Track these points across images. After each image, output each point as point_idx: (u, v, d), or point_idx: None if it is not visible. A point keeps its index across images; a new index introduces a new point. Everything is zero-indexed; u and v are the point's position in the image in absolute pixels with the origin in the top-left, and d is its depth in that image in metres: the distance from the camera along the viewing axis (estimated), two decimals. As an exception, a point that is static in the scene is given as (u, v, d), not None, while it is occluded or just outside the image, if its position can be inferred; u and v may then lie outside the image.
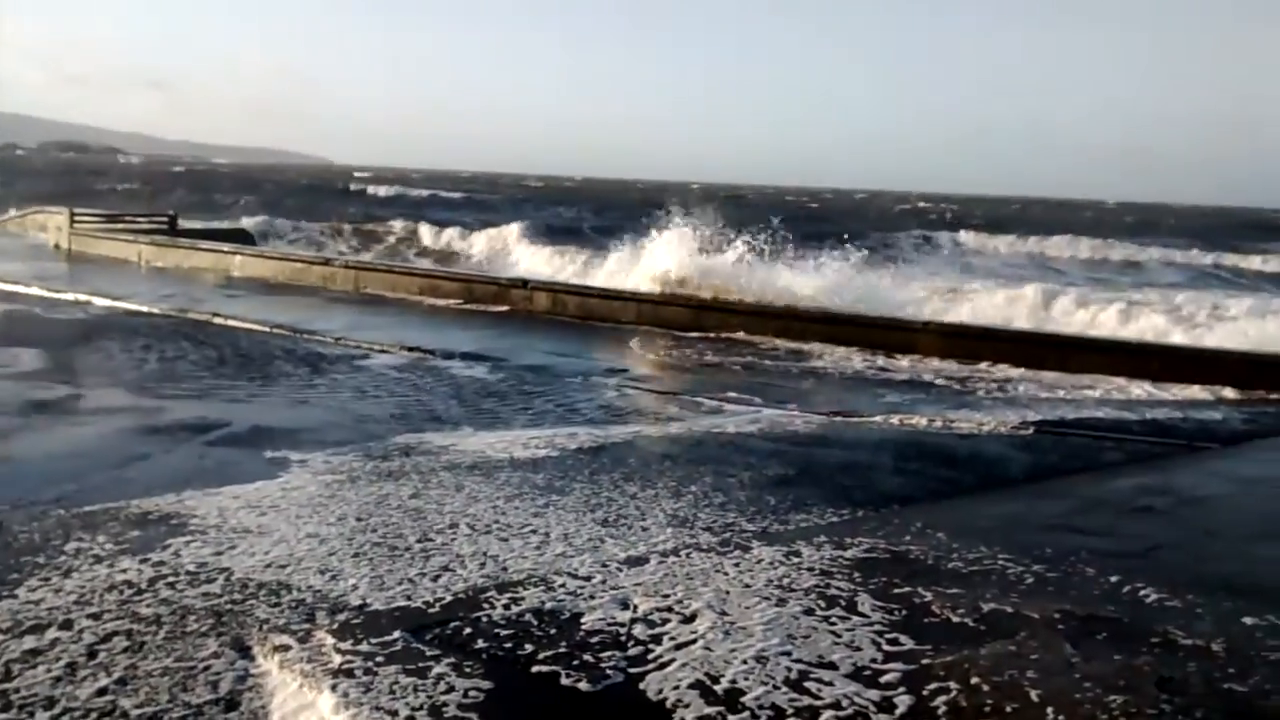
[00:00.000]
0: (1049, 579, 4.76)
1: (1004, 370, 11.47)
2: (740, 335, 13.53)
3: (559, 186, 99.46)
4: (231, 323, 12.94)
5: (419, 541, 5.31)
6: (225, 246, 20.31)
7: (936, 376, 11.18)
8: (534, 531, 5.55)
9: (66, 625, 4.14)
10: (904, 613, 4.28)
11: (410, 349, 11.42)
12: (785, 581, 4.63)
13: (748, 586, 4.57)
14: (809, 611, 4.26)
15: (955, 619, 4.23)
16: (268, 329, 12.60)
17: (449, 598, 4.49)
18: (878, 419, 9.03)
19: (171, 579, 4.67)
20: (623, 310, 14.59)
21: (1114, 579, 4.74)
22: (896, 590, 4.54)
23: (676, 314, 14.31)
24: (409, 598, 4.50)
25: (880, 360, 12.09)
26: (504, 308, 15.18)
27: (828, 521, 5.96)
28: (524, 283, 16.00)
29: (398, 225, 36.91)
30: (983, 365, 11.72)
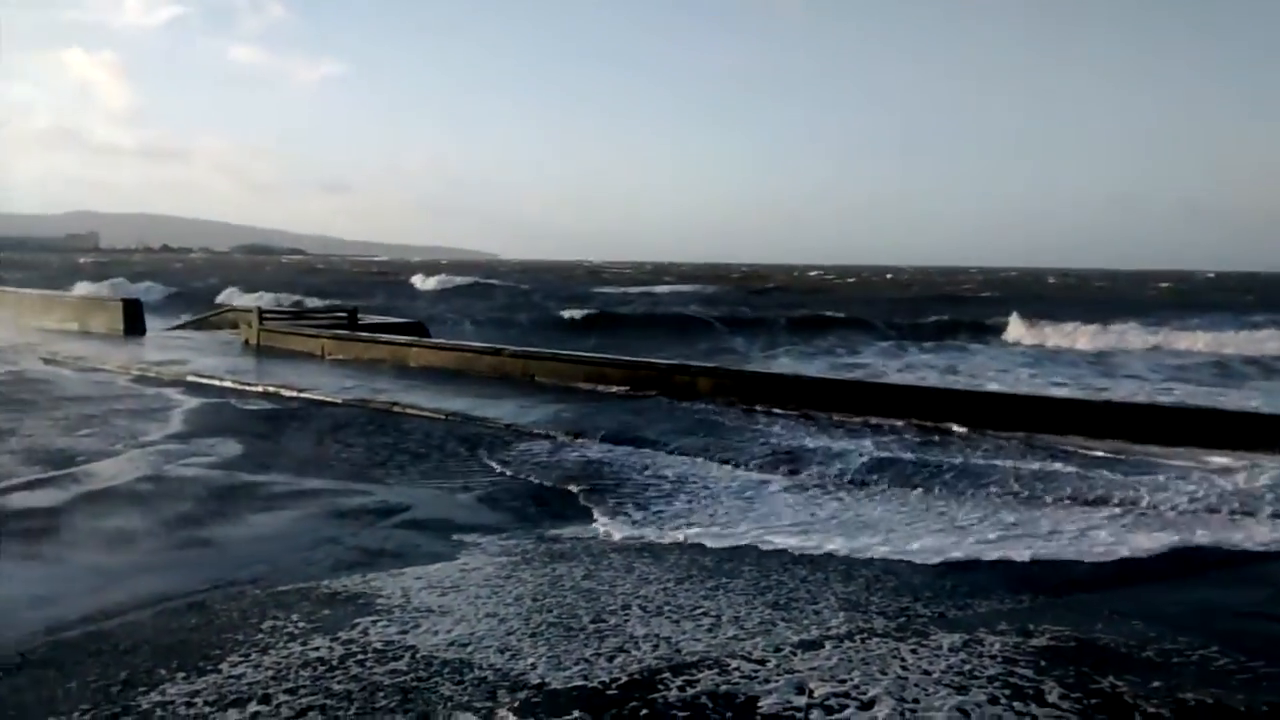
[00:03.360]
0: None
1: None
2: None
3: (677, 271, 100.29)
4: (409, 411, 13.46)
5: (593, 622, 5.39)
6: (401, 338, 21.18)
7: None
8: (705, 614, 5.56)
9: (265, 699, 4.36)
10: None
11: (573, 434, 11.64)
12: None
13: (926, 673, 4.47)
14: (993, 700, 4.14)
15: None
16: (442, 416, 13.06)
17: (625, 678, 4.54)
18: None
19: (360, 656, 4.87)
20: (787, 395, 14.47)
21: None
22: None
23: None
24: (586, 678, 4.57)
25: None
26: (651, 392, 15.25)
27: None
28: (686, 368, 16.12)
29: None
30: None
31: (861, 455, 10.26)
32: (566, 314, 37.52)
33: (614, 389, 15.73)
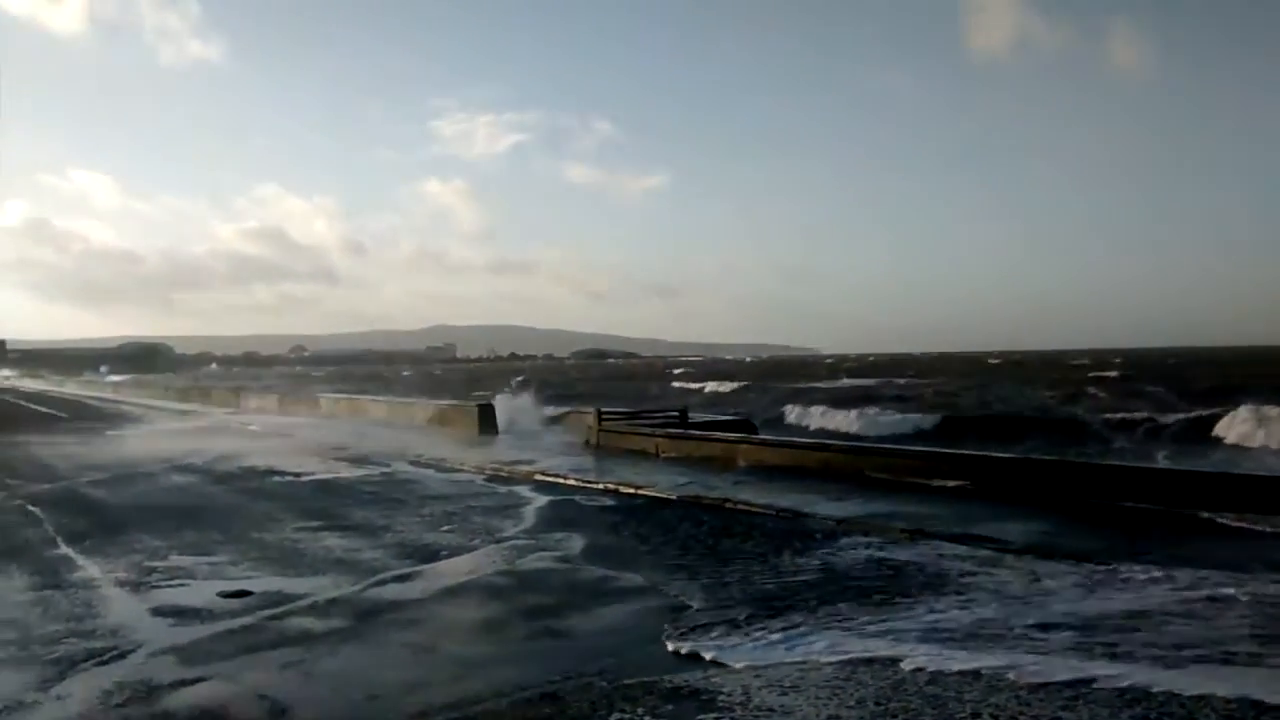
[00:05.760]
0: None
1: None
2: None
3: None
4: (740, 507, 13.58)
5: (941, 730, 5.14)
6: (731, 436, 21.54)
7: None
8: (1068, 729, 5.16)
9: (615, 791, 4.46)
10: None
11: (906, 531, 11.25)
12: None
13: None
14: None
15: None
16: (773, 512, 13.06)
17: (979, 792, 4.28)
18: None
19: (704, 753, 4.90)
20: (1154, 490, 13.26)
21: None
22: None
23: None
24: (936, 789, 4.35)
25: None
26: (992, 488, 14.44)
27: None
28: (1028, 462, 15.24)
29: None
30: None
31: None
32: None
33: (950, 484, 15.08)
